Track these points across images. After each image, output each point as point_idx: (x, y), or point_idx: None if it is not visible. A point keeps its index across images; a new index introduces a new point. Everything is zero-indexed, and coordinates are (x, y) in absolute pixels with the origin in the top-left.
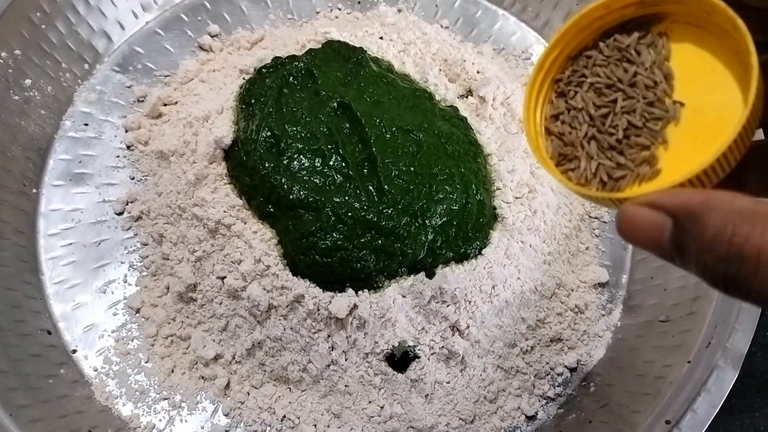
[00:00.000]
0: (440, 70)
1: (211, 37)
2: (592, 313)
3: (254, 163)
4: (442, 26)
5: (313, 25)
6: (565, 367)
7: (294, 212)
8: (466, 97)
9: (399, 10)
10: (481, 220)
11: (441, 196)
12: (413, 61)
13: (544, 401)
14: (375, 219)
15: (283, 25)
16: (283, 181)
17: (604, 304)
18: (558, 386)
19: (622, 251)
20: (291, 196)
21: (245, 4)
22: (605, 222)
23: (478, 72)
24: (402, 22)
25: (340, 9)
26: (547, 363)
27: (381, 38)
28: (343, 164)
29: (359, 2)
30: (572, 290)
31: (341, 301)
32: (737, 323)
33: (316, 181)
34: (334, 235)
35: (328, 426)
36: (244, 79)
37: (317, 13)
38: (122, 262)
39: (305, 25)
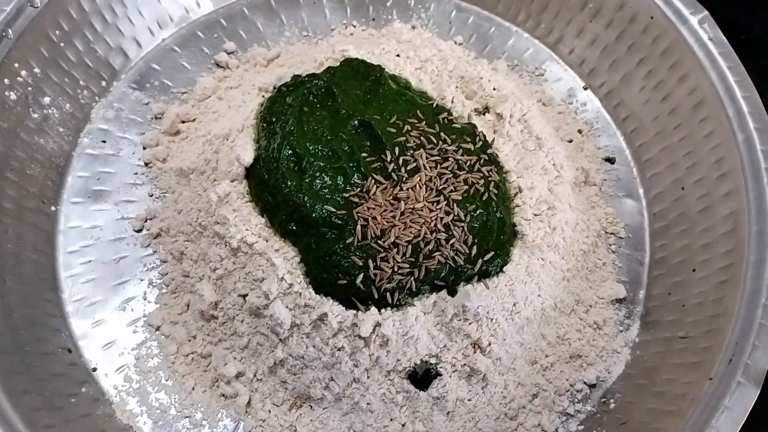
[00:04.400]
0: (457, 87)
1: (228, 54)
2: (610, 329)
3: (276, 181)
4: (456, 43)
5: (329, 42)
6: (585, 383)
7: (317, 230)
8: (483, 114)
9: (413, 27)
10: (502, 237)
11: (462, 214)
12: (430, 78)
13: (564, 418)
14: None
15: (299, 42)
16: (305, 199)
17: (622, 320)
18: (578, 403)
19: (638, 267)
20: (314, 215)
21: (261, 21)
22: (621, 238)
23: (494, 89)
24: (417, 39)
25: (354, 26)
26: (567, 379)
27: (398, 55)
28: (365, 182)
29: (373, 19)
30: (590, 306)
31: (365, 320)
32: (758, 340)
33: (339, 199)
34: (357, 253)
35: None
36: (263, 96)
37: (332, 30)
38: (142, 280)
39: (321, 42)
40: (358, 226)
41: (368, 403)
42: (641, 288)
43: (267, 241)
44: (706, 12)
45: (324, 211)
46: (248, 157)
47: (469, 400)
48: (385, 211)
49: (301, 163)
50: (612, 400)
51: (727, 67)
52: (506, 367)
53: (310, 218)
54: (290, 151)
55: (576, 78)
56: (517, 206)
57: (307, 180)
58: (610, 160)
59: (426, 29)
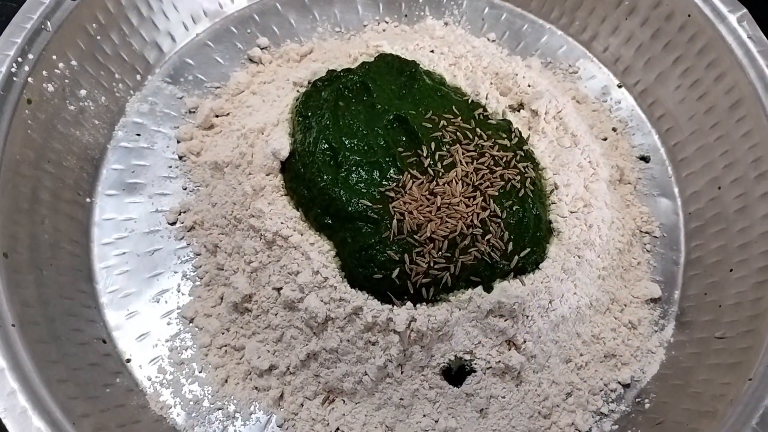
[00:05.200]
0: (491, 83)
1: (261, 49)
2: (645, 328)
3: (312, 175)
4: (489, 39)
5: (361, 38)
6: (619, 383)
7: (352, 224)
8: (518, 111)
9: (446, 23)
10: (538, 234)
11: (499, 210)
12: (464, 74)
13: (598, 417)
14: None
15: (331, 37)
16: (341, 193)
17: (657, 320)
18: (612, 402)
19: (673, 267)
20: (350, 208)
21: (293, 17)
22: (656, 237)
23: (529, 86)
24: (450, 36)
25: (387, 22)
26: (601, 379)
27: (432, 51)
28: (401, 177)
29: (406, 15)
30: (625, 305)
31: (400, 314)
32: None
33: (375, 193)
34: (393, 247)
35: None
36: (298, 91)
37: (364, 26)
38: (175, 272)
39: (353, 38)
40: (394, 221)
41: (401, 399)
42: (676, 288)
43: (302, 234)
44: (745, 10)
45: (360, 205)
46: (284, 151)
47: (503, 397)
48: (421, 205)
49: (336, 157)
50: (647, 400)
51: (766, 65)
52: (540, 365)
53: (346, 212)
54: (326, 145)
55: (610, 76)
56: (552, 203)
57: (342, 174)
58: (645, 159)
59: (459, 26)
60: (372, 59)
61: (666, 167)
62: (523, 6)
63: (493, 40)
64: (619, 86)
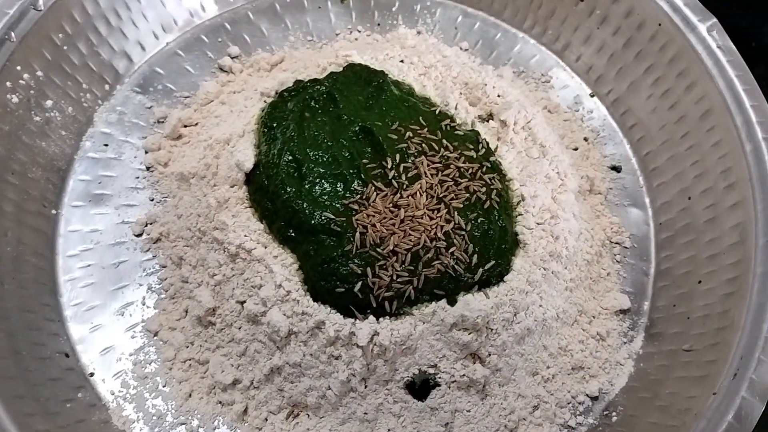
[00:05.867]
0: (461, 93)
1: (232, 58)
2: (613, 340)
3: (276, 187)
4: (461, 48)
5: (333, 47)
6: (587, 395)
7: (315, 237)
8: (487, 121)
9: (418, 32)
10: (503, 246)
11: (463, 222)
12: (434, 84)
13: (565, 430)
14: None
15: (303, 47)
16: (304, 205)
17: (626, 331)
18: (579, 415)
19: (643, 277)
20: (312, 221)
21: (265, 26)
22: (626, 247)
23: (498, 96)
24: (422, 45)
25: (359, 31)
26: (569, 391)
27: (402, 61)
28: (365, 189)
29: (378, 24)
30: (594, 317)
31: (362, 328)
32: (763, 354)
33: (338, 205)
34: (356, 261)
35: None
36: (265, 102)
37: (337, 35)
38: (141, 284)
39: (325, 47)
40: (357, 234)
41: (365, 413)
42: (646, 299)
43: (266, 247)
44: (714, 19)
45: (323, 217)
46: (248, 163)
47: (468, 411)
48: (384, 218)
49: (301, 169)
50: (614, 414)
51: (735, 75)
52: (506, 378)
53: (309, 225)
54: (290, 157)
55: (583, 85)
56: (519, 215)
57: (306, 186)
58: (617, 169)
59: (431, 35)
60: (341, 69)
61: (637, 177)
62: (497, 15)
63: (466, 49)
64: (592, 95)
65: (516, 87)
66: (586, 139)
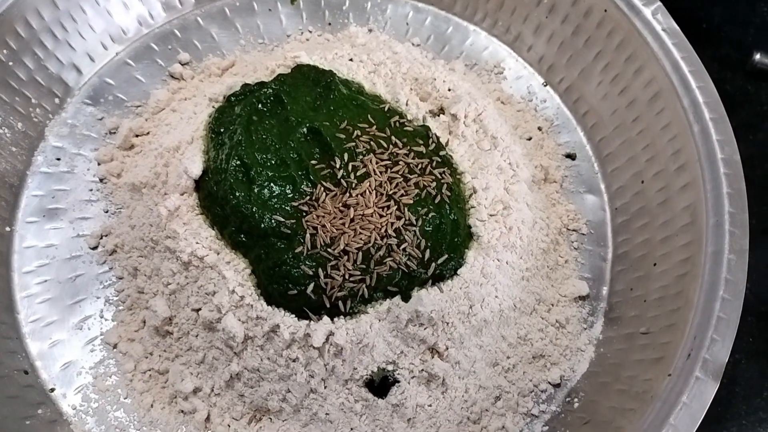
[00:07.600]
0: (411, 89)
1: (182, 65)
2: (573, 327)
3: (225, 192)
4: (413, 44)
5: (283, 49)
6: (549, 383)
7: (266, 241)
8: (438, 116)
9: (370, 30)
10: (456, 239)
11: (414, 218)
12: (384, 81)
13: (529, 419)
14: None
15: (254, 50)
16: (254, 210)
17: (586, 317)
18: (542, 403)
19: (601, 263)
20: (262, 225)
21: (215, 31)
22: (584, 234)
23: (449, 90)
24: (372, 42)
25: (311, 31)
26: (531, 380)
27: (351, 60)
28: (314, 190)
29: (329, 23)
30: (553, 305)
31: (317, 330)
32: (716, 334)
33: (288, 208)
34: (307, 262)
35: None
36: (213, 107)
37: (288, 36)
38: (98, 297)
39: (276, 49)
40: (307, 235)
41: (327, 414)
42: (604, 284)
43: (218, 253)
44: (659, 3)
45: (272, 221)
46: (196, 170)
47: (429, 405)
48: (334, 218)
49: (249, 173)
50: (576, 400)
51: (681, 57)
52: (466, 370)
53: (259, 229)
54: (238, 162)
55: (535, 75)
56: (472, 207)
57: (255, 190)
58: (571, 156)
59: (383, 32)
60: (289, 71)
61: (592, 164)
62: (447, 9)
63: (418, 45)
64: (545, 85)
65: (468, 80)
66: (540, 129)
